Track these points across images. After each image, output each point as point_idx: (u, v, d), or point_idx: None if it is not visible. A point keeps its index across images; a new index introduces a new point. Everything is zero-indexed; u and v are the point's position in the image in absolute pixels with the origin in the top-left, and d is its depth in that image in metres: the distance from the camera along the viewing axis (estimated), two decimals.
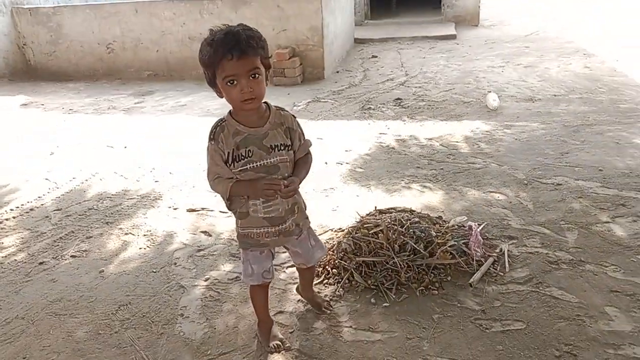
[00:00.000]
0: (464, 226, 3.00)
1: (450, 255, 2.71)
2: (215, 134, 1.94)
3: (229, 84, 1.83)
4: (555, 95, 5.93)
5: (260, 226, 2.09)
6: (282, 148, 2.01)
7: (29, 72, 8.68)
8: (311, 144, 2.18)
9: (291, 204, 2.14)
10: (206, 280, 2.83)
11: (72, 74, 8.44)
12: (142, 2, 8.01)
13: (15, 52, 8.66)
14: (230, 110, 1.99)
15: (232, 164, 1.95)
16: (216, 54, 1.79)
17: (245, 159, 1.95)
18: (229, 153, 1.94)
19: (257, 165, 1.97)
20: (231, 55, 1.78)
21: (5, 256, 3.20)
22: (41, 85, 8.02)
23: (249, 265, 2.19)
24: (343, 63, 8.48)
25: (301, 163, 2.13)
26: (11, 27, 8.58)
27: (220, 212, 3.56)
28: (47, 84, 8.09)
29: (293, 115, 2.13)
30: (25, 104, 6.94)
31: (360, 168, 4.22)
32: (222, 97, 1.91)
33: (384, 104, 6.01)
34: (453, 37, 10.08)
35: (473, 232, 2.87)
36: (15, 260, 3.15)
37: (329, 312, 2.51)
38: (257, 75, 1.84)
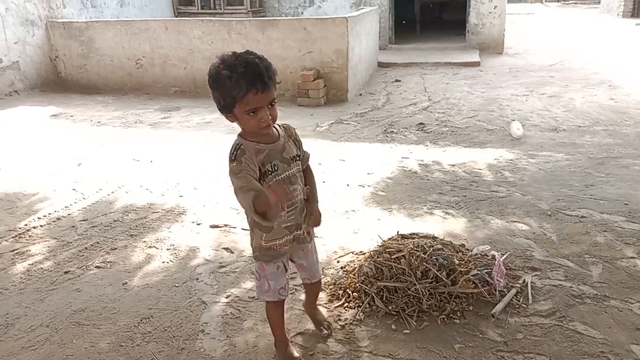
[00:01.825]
0: (487, 255, 2.99)
1: (473, 285, 2.70)
2: (237, 156, 1.96)
3: (250, 114, 1.90)
4: (579, 126, 5.90)
5: (282, 236, 2.14)
6: (297, 159, 2.13)
7: (60, 83, 8.91)
8: (309, 155, 2.26)
9: (305, 212, 2.21)
10: (227, 296, 2.85)
11: (101, 87, 8.64)
12: (172, 20, 8.22)
13: (47, 64, 8.90)
14: (240, 133, 2.03)
15: (263, 181, 1.99)
16: (239, 87, 1.85)
17: (273, 173, 2.01)
18: (257, 168, 1.97)
19: (282, 178, 2.05)
20: (256, 90, 1.85)
21: (32, 264, 3.26)
22: (71, 97, 8.22)
23: (265, 281, 2.20)
24: (366, 86, 8.55)
25: (311, 178, 2.25)
26: (45, 40, 8.84)
27: (243, 229, 3.59)
28: (76, 96, 8.28)
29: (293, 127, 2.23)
30: (55, 115, 7.11)
31: (382, 191, 4.23)
32: (233, 122, 1.98)
33: (406, 128, 6.04)
34: (477, 64, 10.12)
35: (496, 261, 2.86)
36: (42, 268, 3.21)
37: (326, 332, 2.51)
38: (274, 104, 1.95)
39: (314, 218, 2.13)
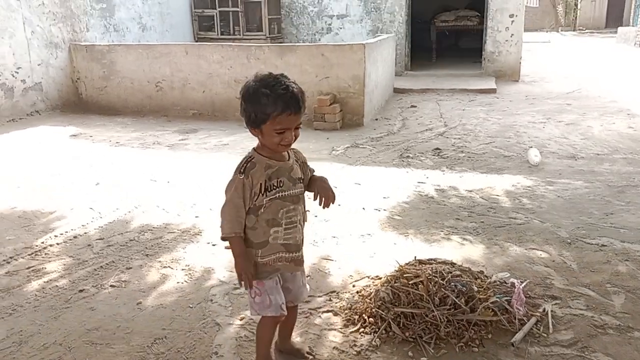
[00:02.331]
0: (506, 283, 2.93)
1: (492, 312, 2.65)
2: (246, 169, 2.08)
3: (278, 133, 2.02)
4: (598, 154, 5.84)
5: (277, 251, 2.19)
6: (302, 181, 2.22)
7: (80, 105, 9.06)
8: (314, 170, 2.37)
9: (303, 235, 2.28)
10: (241, 319, 2.82)
11: (120, 109, 8.77)
12: (193, 44, 8.36)
13: (69, 86, 9.07)
14: (255, 147, 2.15)
15: (265, 194, 2.10)
16: (276, 107, 1.98)
17: (277, 189, 2.12)
18: (261, 184, 2.09)
19: (286, 195, 2.14)
20: (290, 112, 1.99)
21: (48, 281, 3.27)
22: (91, 118, 8.35)
23: (266, 296, 2.19)
24: (382, 111, 8.58)
25: (318, 177, 2.32)
26: (67, 62, 9.03)
27: None
28: (96, 117, 8.41)
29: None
30: (75, 135, 7.22)
31: (399, 216, 4.20)
32: (256, 135, 2.09)
33: (422, 153, 6.02)
34: (493, 91, 10.12)
35: (516, 289, 2.80)
36: (57, 286, 3.22)
37: (311, 357, 2.47)
38: (299, 127, 2.09)
39: (332, 193, 2.23)
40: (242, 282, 2.14)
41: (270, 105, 1.98)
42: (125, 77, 8.73)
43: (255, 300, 2.22)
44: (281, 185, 2.12)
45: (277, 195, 2.11)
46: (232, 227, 2.12)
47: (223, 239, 2.15)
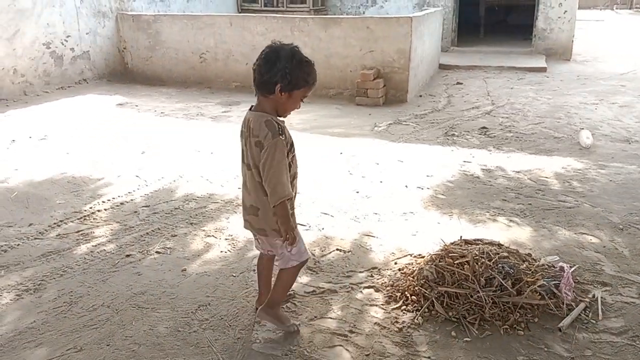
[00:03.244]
0: (554, 267, 2.84)
1: (539, 296, 2.58)
2: (281, 129, 2.23)
3: (301, 100, 2.27)
4: None
5: (293, 202, 2.41)
6: None
7: (126, 74, 9.21)
8: None
9: None
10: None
11: (165, 79, 8.87)
12: (237, 16, 8.34)
13: (115, 55, 9.22)
14: (266, 112, 2.26)
15: (290, 151, 2.30)
16: (313, 78, 2.25)
17: (293, 147, 2.36)
18: (289, 143, 2.29)
19: (294, 150, 2.38)
20: (315, 85, 2.29)
21: (96, 245, 3.36)
22: (136, 88, 8.48)
23: (302, 244, 2.44)
24: (427, 87, 8.40)
25: None
26: (114, 32, 9.16)
27: (299, 224, 3.58)
28: (141, 87, 8.54)
29: None
30: (121, 104, 7.35)
31: (443, 195, 4.12)
32: (278, 99, 2.21)
33: (468, 131, 5.88)
34: (543, 69, 9.76)
35: (565, 273, 2.72)
36: (105, 250, 3.30)
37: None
38: None
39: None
40: (289, 239, 2.26)
41: (312, 74, 2.23)
42: (170, 47, 8.79)
43: (292, 252, 2.39)
44: (292, 142, 2.34)
45: (294, 152, 2.36)
46: (288, 188, 2.21)
47: (280, 203, 2.19)
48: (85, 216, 3.78)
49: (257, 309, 2.59)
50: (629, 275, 2.97)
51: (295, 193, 2.44)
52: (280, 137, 2.19)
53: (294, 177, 2.37)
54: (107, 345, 2.44)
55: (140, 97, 7.79)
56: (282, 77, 2.16)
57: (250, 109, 2.32)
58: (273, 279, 2.61)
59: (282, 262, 2.44)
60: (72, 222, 3.70)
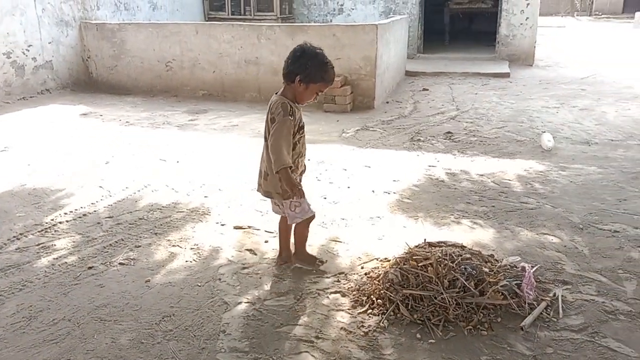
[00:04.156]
0: (516, 267, 2.90)
1: (502, 296, 2.62)
2: (291, 110, 2.70)
3: (316, 93, 2.74)
4: (612, 140, 5.75)
5: (300, 174, 2.98)
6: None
7: (91, 84, 9.06)
8: None
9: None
10: (249, 298, 2.82)
11: (130, 88, 8.75)
12: (203, 24, 8.30)
13: (79, 64, 9.06)
14: (282, 94, 2.75)
15: (298, 132, 2.80)
16: (330, 76, 2.72)
17: (303, 129, 2.85)
18: (297, 125, 2.78)
19: (304, 132, 2.87)
20: (331, 84, 2.78)
21: (57, 258, 3.28)
22: (101, 97, 8.34)
23: (305, 204, 2.90)
24: (393, 94, 8.49)
25: None
26: (78, 41, 9.01)
27: (266, 231, 3.57)
28: (106, 96, 8.41)
29: None
30: (85, 114, 7.22)
31: (409, 199, 4.17)
32: (295, 87, 2.70)
33: (433, 136, 5.96)
34: (506, 75, 9.98)
35: (526, 273, 2.77)
36: (66, 263, 3.23)
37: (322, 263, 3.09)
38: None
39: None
40: (295, 193, 2.72)
41: (328, 73, 2.70)
42: (135, 56, 8.69)
43: (296, 211, 2.89)
44: (302, 125, 2.83)
45: (302, 133, 2.84)
46: (287, 158, 2.66)
47: (281, 169, 2.66)
48: (46, 228, 3.69)
49: (278, 264, 3.13)
50: (588, 273, 3.04)
51: (302, 170, 2.97)
52: (290, 117, 2.68)
53: (299, 154, 2.86)
54: None
55: (104, 107, 7.66)
56: (302, 70, 2.64)
57: (275, 93, 2.79)
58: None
59: (289, 219, 2.95)
60: (32, 234, 3.60)
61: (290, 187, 2.69)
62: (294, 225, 3.03)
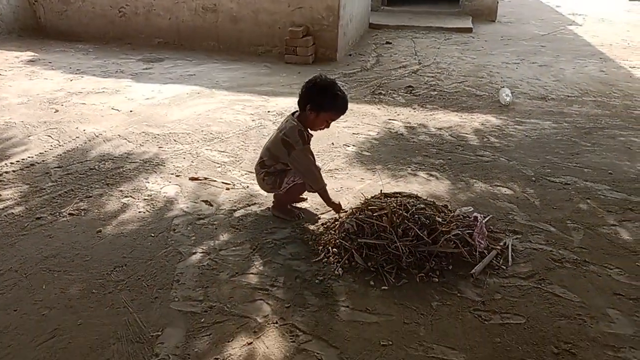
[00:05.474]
0: (469, 217, 2.95)
1: (454, 244, 2.67)
2: (305, 138, 2.93)
3: (326, 121, 2.94)
4: (568, 96, 5.85)
5: None
6: None
7: (39, 29, 8.56)
8: None
9: None
10: (205, 248, 2.79)
11: (82, 35, 8.32)
12: None
13: (25, 8, 8.52)
14: (297, 118, 2.96)
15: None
16: (339, 107, 2.92)
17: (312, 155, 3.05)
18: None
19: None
20: (342, 114, 2.99)
21: (3, 209, 3.16)
22: (50, 44, 7.91)
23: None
24: (356, 47, 8.37)
25: None
26: None
27: (223, 182, 3.51)
28: (56, 43, 7.97)
29: None
30: (33, 61, 6.84)
31: (367, 152, 4.16)
32: (308, 115, 2.89)
33: (395, 90, 5.93)
34: (469, 30, 9.96)
35: (478, 223, 2.82)
36: (13, 213, 3.11)
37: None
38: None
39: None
40: (336, 211, 3.04)
41: (338, 103, 2.88)
42: (87, 0, 8.23)
43: (287, 180, 3.07)
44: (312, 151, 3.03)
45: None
46: (322, 181, 3.02)
47: (321, 188, 3.02)
48: None
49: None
50: (538, 223, 3.13)
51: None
52: (308, 145, 2.95)
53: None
54: (15, 310, 2.32)
55: (53, 54, 7.28)
56: (312, 99, 2.84)
57: (292, 114, 3.00)
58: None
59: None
60: None
61: (330, 205, 3.04)
62: (293, 184, 3.07)
